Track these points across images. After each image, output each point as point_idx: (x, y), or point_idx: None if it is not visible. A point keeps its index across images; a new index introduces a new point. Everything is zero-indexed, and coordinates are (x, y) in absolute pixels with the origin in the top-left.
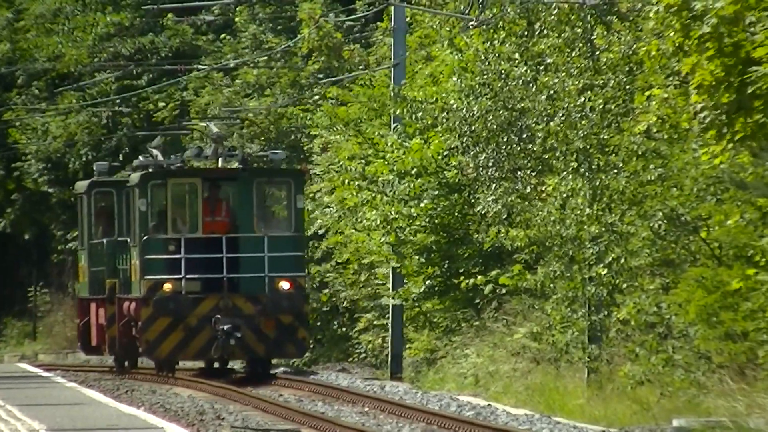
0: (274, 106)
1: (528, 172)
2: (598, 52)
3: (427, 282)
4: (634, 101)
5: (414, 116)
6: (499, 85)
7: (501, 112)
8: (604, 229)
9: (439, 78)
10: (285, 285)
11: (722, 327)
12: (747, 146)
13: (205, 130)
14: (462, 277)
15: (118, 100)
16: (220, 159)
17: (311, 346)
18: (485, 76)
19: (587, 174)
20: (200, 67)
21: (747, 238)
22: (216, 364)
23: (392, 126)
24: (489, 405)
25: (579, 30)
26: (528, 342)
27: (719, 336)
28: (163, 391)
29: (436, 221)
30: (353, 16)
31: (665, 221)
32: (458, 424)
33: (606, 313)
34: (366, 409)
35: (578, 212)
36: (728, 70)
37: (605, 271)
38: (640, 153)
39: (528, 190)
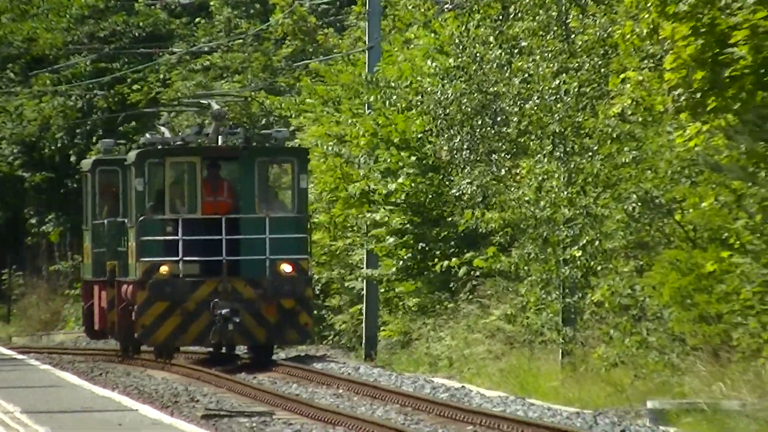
0: (246, 90)
1: (503, 155)
2: (573, 36)
3: (401, 263)
4: (608, 84)
5: (387, 102)
6: (474, 68)
7: (475, 95)
8: (578, 211)
9: (414, 61)
10: (287, 268)
11: (696, 309)
12: (721, 128)
13: (207, 107)
14: (436, 260)
15: (92, 84)
16: (220, 137)
17: (314, 332)
18: (459, 60)
19: (562, 157)
20: (174, 50)
21: (721, 220)
22: (223, 350)
23: (366, 111)
24: (463, 387)
25: (554, 13)
26: (502, 324)
27: (693, 318)
28: (137, 374)
29: (411, 201)
30: (327, 0)
31: (640, 204)
32: (432, 406)
33: (580, 295)
34: (340, 391)
35: (553, 195)
36: (703, 49)
37: (580, 253)
38: (614, 136)
39: (503, 172)
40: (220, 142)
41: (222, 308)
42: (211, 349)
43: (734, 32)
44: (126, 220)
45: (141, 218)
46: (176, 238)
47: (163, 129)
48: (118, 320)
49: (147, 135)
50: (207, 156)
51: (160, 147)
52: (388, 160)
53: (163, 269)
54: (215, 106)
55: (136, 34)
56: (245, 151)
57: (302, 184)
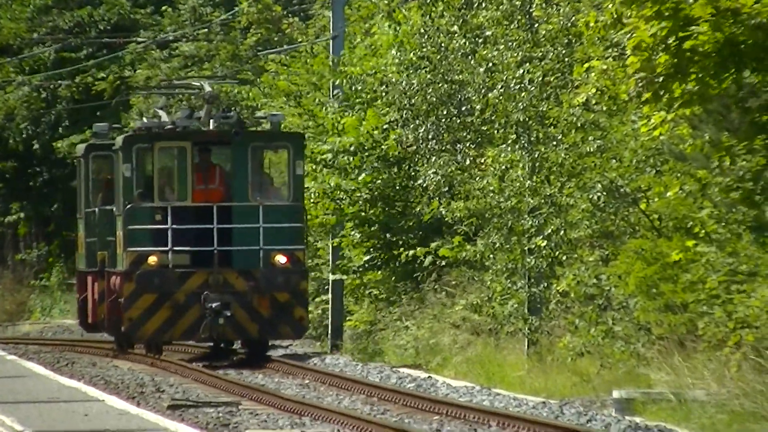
0: (212, 81)
1: (467, 145)
2: (537, 25)
3: (367, 257)
4: (573, 73)
5: (353, 87)
6: (438, 57)
7: (440, 85)
8: (543, 201)
9: (378, 51)
10: (281, 259)
11: (662, 299)
12: (686, 118)
13: (200, 90)
14: (402, 249)
15: (56, 74)
16: (212, 121)
17: (309, 326)
18: (424, 50)
19: (526, 146)
20: (139, 40)
21: (686, 209)
22: (222, 345)
23: (331, 97)
24: (429, 377)
25: (518, 2)
26: (468, 314)
27: (659, 308)
28: (103, 364)
29: (375, 194)
30: None
31: (604, 193)
32: (399, 396)
33: (546, 285)
34: (306, 381)
35: (517, 184)
36: (666, 32)
37: (545, 243)
38: (579, 125)
39: (467, 162)
40: (212, 126)
41: (213, 301)
42: (210, 344)
43: (694, 9)
44: (114, 208)
45: (128, 206)
46: (165, 227)
47: (160, 112)
48: (107, 313)
49: (144, 119)
50: (198, 141)
51: (147, 131)
52: (348, 162)
53: (152, 259)
54: (207, 88)
55: (101, 27)
56: (238, 135)
57: (298, 170)
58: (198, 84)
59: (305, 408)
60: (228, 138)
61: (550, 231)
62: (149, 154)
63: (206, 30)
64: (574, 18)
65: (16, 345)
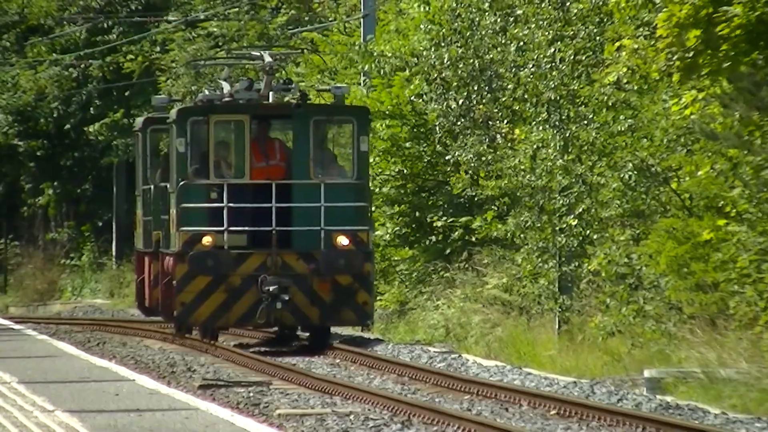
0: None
1: (498, 123)
2: (568, 3)
3: (396, 230)
4: (604, 52)
5: (381, 71)
6: (469, 34)
7: (471, 60)
8: (574, 180)
9: (407, 32)
10: (344, 240)
11: (693, 278)
12: (716, 96)
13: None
14: (434, 218)
15: (87, 53)
16: (272, 93)
17: (374, 311)
18: (455, 24)
19: (557, 125)
20: (170, 19)
21: (717, 188)
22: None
23: (361, 81)
24: (460, 356)
25: None
26: (499, 293)
27: (690, 287)
28: (134, 344)
29: (405, 171)
30: None
31: (635, 172)
32: (429, 375)
33: (577, 264)
34: (337, 361)
35: (549, 163)
36: (697, 9)
37: (575, 222)
38: (610, 104)
39: (498, 140)
40: (271, 99)
41: (270, 284)
42: (271, 330)
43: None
44: (168, 185)
45: (182, 183)
46: (221, 205)
47: (223, 84)
48: (161, 297)
49: (205, 90)
50: (256, 114)
51: (203, 103)
52: (382, 133)
53: (206, 240)
54: (268, 59)
55: (132, 7)
56: (299, 108)
57: (362, 146)
58: (257, 54)
59: (336, 387)
60: (288, 111)
61: (581, 210)
62: (204, 127)
63: (236, 9)
64: None
65: (47, 324)
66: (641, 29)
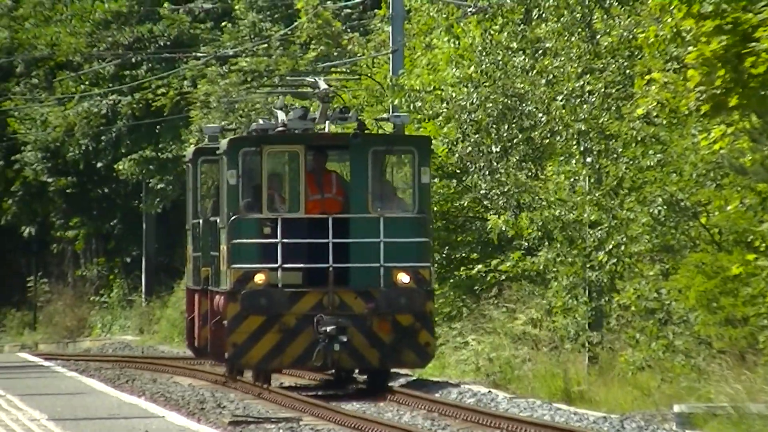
0: (272, 94)
1: (529, 162)
2: (598, 36)
3: None
4: (634, 86)
5: (412, 105)
6: (499, 74)
7: (501, 99)
8: (604, 215)
9: (437, 67)
10: (405, 278)
11: (722, 312)
12: (746, 131)
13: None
14: (462, 268)
15: (116, 88)
16: (328, 122)
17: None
18: (483, 65)
19: (588, 158)
20: (198, 55)
21: (747, 223)
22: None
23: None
24: (490, 392)
25: (578, 15)
26: (528, 328)
27: (719, 321)
28: (163, 380)
29: (434, 209)
30: (351, 2)
31: (665, 207)
32: (459, 411)
33: (607, 299)
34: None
35: (579, 197)
36: (727, 47)
37: (606, 258)
38: (639, 138)
39: (528, 177)
40: (327, 129)
41: (327, 324)
42: (328, 372)
43: (759, 29)
44: (218, 220)
45: (233, 217)
46: (275, 241)
47: (279, 113)
48: (211, 337)
49: (259, 120)
50: (312, 144)
51: (255, 134)
52: None
53: (259, 278)
54: (323, 86)
55: (160, 43)
56: (357, 138)
57: (424, 178)
58: (311, 80)
59: (366, 423)
60: (346, 141)
61: (611, 246)
62: (257, 159)
63: (266, 45)
64: (634, 30)
65: (76, 361)
66: (670, 63)
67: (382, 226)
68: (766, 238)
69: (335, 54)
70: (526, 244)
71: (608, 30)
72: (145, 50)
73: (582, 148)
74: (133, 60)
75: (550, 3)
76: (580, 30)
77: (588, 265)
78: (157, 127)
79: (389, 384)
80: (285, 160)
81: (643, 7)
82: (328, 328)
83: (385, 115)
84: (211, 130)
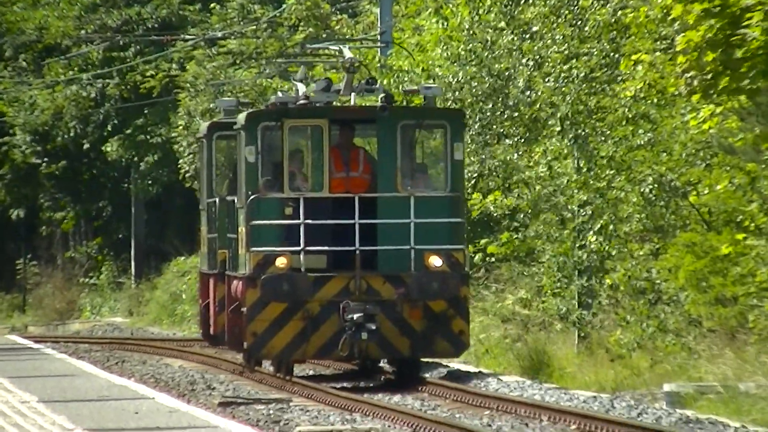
0: (260, 77)
1: (516, 140)
2: (585, 16)
3: None
4: (620, 67)
5: (400, 86)
6: (486, 54)
7: (486, 78)
8: (593, 195)
9: (426, 47)
10: (437, 261)
11: (712, 292)
12: (734, 110)
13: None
14: None
15: (104, 72)
16: (354, 94)
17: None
18: (471, 45)
19: (574, 140)
20: (187, 37)
21: (736, 203)
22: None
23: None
24: (480, 372)
25: None
26: (518, 308)
27: (709, 301)
28: (153, 362)
29: None
30: None
31: (655, 186)
32: (449, 391)
33: (596, 279)
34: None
35: (566, 178)
36: (715, 30)
37: (594, 238)
38: (629, 117)
39: (516, 156)
40: (353, 101)
41: (354, 312)
42: (353, 363)
43: (747, 14)
44: (235, 199)
45: (252, 197)
46: (297, 222)
47: (299, 85)
48: (228, 325)
49: (279, 93)
50: (337, 118)
51: (276, 107)
52: None
53: (280, 262)
54: (348, 54)
55: (149, 25)
56: (385, 111)
57: (457, 155)
58: (335, 49)
59: (356, 404)
60: (373, 115)
61: (600, 225)
62: (278, 134)
63: (254, 27)
64: (620, 12)
65: (66, 343)
66: (658, 43)
67: (413, 205)
68: (755, 218)
69: (324, 36)
70: (516, 224)
71: (596, 10)
72: (133, 33)
73: (570, 133)
74: (121, 43)
75: None
76: (567, 12)
77: (577, 245)
78: (145, 109)
79: (422, 375)
80: (308, 134)
81: None
82: (355, 316)
83: (414, 87)
84: (226, 104)
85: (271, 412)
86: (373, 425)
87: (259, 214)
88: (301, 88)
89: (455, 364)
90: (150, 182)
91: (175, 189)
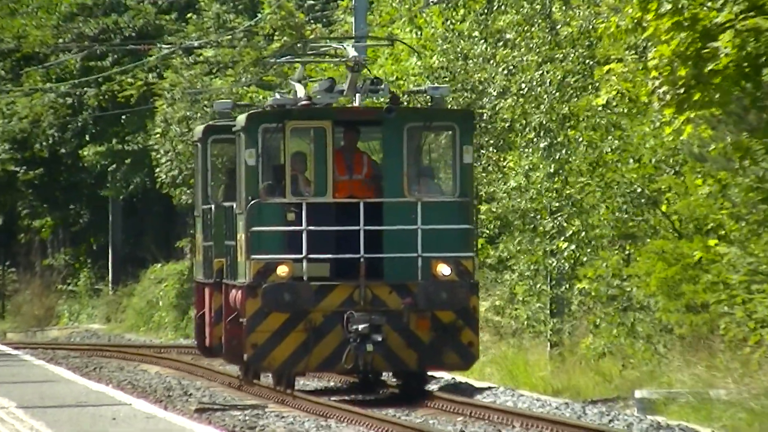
0: (237, 86)
1: (490, 150)
2: (558, 27)
3: None
4: (593, 75)
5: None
6: (459, 65)
7: (461, 93)
8: (564, 202)
9: (400, 57)
10: (445, 270)
11: (683, 299)
12: (706, 119)
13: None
14: None
15: (82, 80)
16: (358, 95)
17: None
18: (444, 57)
19: (547, 148)
20: (163, 46)
21: (707, 210)
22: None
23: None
24: (453, 378)
25: (538, 6)
26: (491, 316)
27: (680, 308)
28: (131, 368)
29: None
30: None
31: (628, 193)
32: (422, 397)
33: (567, 286)
34: (331, 384)
35: (538, 185)
36: (686, 44)
37: (566, 245)
38: (600, 123)
39: (489, 166)
40: (358, 102)
41: (359, 323)
42: (355, 375)
43: (720, 35)
44: (234, 205)
45: (252, 202)
46: (299, 228)
47: (296, 86)
48: (225, 336)
49: (276, 95)
50: (341, 120)
51: (277, 108)
52: None
53: (282, 270)
54: (352, 53)
55: (126, 34)
56: (392, 113)
57: (466, 158)
58: (340, 47)
59: (330, 411)
60: (378, 116)
61: (571, 232)
62: (279, 136)
63: (230, 36)
64: (594, 22)
65: (44, 350)
66: (629, 51)
67: (420, 211)
68: (725, 225)
69: (299, 45)
70: (487, 232)
71: (568, 20)
72: (110, 42)
73: (540, 139)
74: (99, 51)
75: None
76: (540, 21)
77: (548, 250)
78: (123, 117)
79: (427, 388)
80: (311, 137)
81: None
82: (360, 327)
83: (421, 87)
84: (222, 106)
85: (246, 418)
86: (347, 431)
87: (259, 220)
88: (299, 88)
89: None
90: (125, 185)
91: (152, 196)
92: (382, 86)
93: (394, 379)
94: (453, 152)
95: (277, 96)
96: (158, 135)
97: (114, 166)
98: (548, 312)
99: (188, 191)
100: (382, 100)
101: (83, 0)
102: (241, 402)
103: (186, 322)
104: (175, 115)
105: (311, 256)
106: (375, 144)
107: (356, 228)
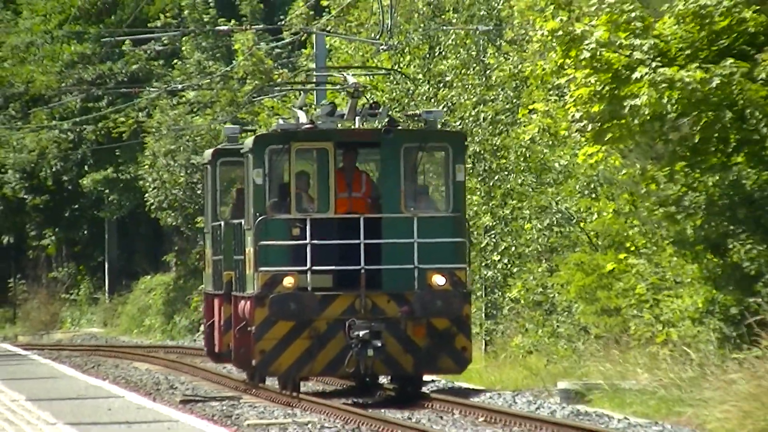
0: (214, 123)
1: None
2: (490, 70)
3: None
4: (519, 114)
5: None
6: (405, 102)
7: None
8: (497, 221)
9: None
10: (440, 280)
11: (599, 304)
12: (617, 149)
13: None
14: None
15: (82, 119)
16: (358, 118)
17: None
18: (393, 94)
19: (481, 173)
20: (151, 89)
21: (619, 227)
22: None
23: None
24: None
25: (473, 53)
26: None
27: (596, 311)
28: (124, 366)
29: None
30: (281, 43)
31: (557, 214)
32: (381, 390)
33: (500, 293)
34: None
35: (475, 207)
36: (601, 85)
37: (498, 258)
38: (526, 155)
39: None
40: (357, 125)
41: (360, 329)
42: (354, 379)
43: (635, 88)
44: (243, 222)
45: (260, 218)
46: (304, 242)
47: (299, 113)
48: (235, 344)
49: (280, 120)
50: (342, 141)
51: (282, 131)
52: None
53: (287, 281)
54: (351, 80)
55: (119, 79)
56: (389, 134)
57: (459, 176)
58: (341, 76)
59: (296, 401)
60: (377, 138)
61: (503, 248)
62: (285, 157)
63: (209, 80)
64: (521, 66)
65: (50, 351)
66: (551, 92)
67: (416, 226)
68: (635, 240)
69: (268, 86)
70: None
71: (499, 65)
72: (106, 85)
73: (475, 167)
74: (96, 94)
75: (450, 42)
76: (475, 65)
77: (483, 264)
78: (117, 150)
79: (423, 391)
80: (314, 157)
81: (529, 46)
82: (361, 333)
83: (415, 112)
84: (230, 131)
85: (224, 407)
86: (311, 419)
87: (266, 235)
88: (301, 114)
89: None
90: (118, 207)
91: (142, 218)
92: (380, 110)
93: (392, 384)
94: (446, 171)
95: (281, 122)
96: (147, 166)
97: (109, 191)
98: (483, 315)
99: (172, 214)
100: (376, 123)
101: (83, 49)
102: (219, 394)
103: (171, 326)
104: (161, 149)
105: (315, 268)
106: (373, 163)
107: (357, 242)
